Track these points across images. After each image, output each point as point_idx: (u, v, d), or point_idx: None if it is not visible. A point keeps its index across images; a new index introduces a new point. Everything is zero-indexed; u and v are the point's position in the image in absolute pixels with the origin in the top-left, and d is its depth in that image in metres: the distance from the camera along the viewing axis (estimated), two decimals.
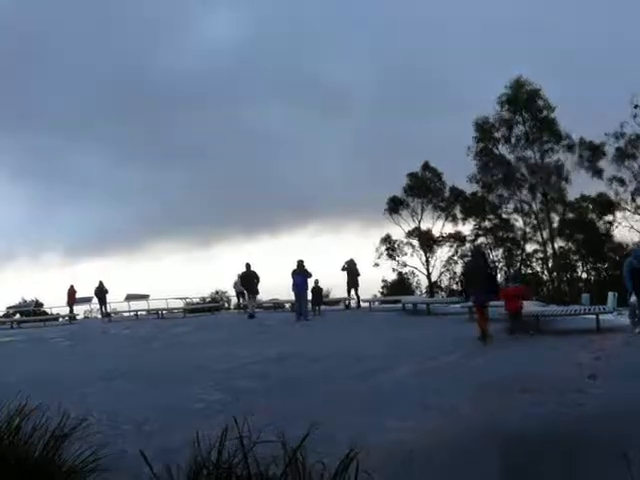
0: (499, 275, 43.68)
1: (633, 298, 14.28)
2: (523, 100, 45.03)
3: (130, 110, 68.39)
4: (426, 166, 51.31)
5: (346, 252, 74.57)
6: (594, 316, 15.23)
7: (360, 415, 7.63)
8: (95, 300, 33.30)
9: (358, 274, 25.97)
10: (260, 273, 24.60)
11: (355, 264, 25.93)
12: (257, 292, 25.26)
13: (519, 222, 49.51)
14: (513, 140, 46.36)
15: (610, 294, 16.41)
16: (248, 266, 24.72)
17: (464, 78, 58.56)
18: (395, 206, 51.41)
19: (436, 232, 52.06)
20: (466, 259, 14.57)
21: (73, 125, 70.54)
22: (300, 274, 22.34)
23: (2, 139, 76.34)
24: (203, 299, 37.65)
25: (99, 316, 34.13)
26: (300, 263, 22.58)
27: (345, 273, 25.90)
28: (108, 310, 33.27)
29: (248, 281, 24.68)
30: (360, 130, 64.42)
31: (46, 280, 71.48)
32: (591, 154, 44.92)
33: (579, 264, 48.51)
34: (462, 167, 47.48)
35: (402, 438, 6.37)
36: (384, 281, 51.98)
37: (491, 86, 50.33)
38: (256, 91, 73.20)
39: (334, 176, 62.01)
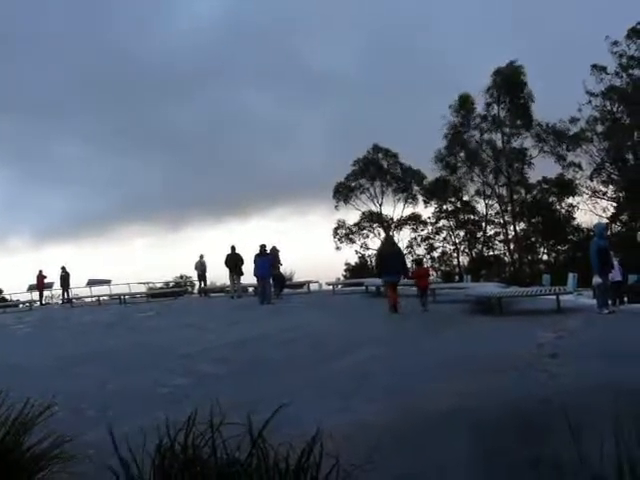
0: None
1: (597, 279, 14.32)
2: (510, 84, 45.51)
3: (106, 94, 67.29)
4: (377, 147, 51.38)
5: (311, 236, 74.74)
6: (554, 297, 15.45)
7: (327, 398, 7.68)
8: (57, 285, 32.94)
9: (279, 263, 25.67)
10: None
11: (278, 251, 25.64)
12: (242, 274, 25.40)
13: (481, 204, 49.98)
14: (489, 119, 46.81)
15: (570, 275, 16.67)
16: (233, 248, 25.08)
17: (452, 60, 58.75)
18: (342, 192, 51.40)
19: (397, 215, 52.22)
20: (380, 246, 16.82)
21: (47, 109, 69.50)
22: (263, 258, 22.63)
23: None
24: (167, 284, 37.40)
25: (60, 302, 33.72)
26: (262, 247, 22.97)
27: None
28: (70, 296, 32.88)
29: (233, 263, 24.91)
30: (338, 113, 64.29)
31: (12, 265, 70.09)
32: (555, 139, 45.52)
33: (540, 246, 49.13)
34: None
35: (368, 420, 6.43)
36: (347, 264, 52.12)
37: (479, 70, 50.44)
38: (236, 73, 72.71)
39: (309, 159, 61.83)
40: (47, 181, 73.33)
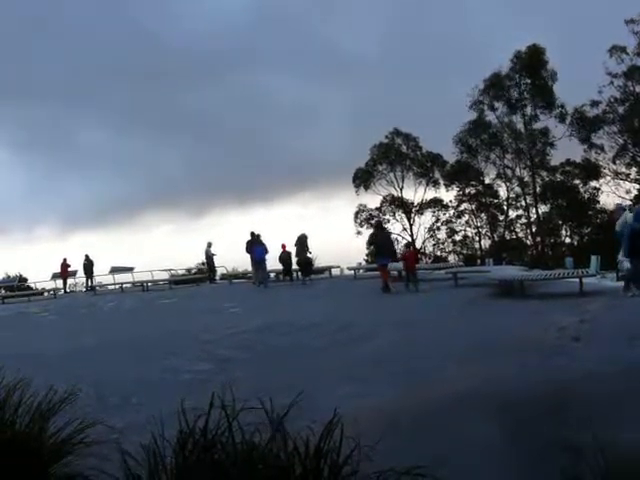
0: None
1: (626, 263, 14.11)
2: (532, 66, 45.13)
3: (131, 77, 66.65)
4: (397, 132, 51.07)
5: (333, 221, 74.56)
6: (577, 280, 15.32)
7: (346, 383, 7.69)
8: (80, 274, 33.27)
9: (307, 249, 25.57)
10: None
11: (306, 238, 25.53)
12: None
13: (502, 188, 49.63)
14: (512, 101, 46.47)
15: (593, 257, 16.50)
16: (253, 234, 25.30)
17: (472, 42, 58.02)
18: (362, 177, 51.18)
19: (418, 199, 51.96)
20: (373, 232, 18.51)
21: (72, 94, 68.99)
22: (258, 246, 24.56)
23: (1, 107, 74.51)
24: (189, 270, 37.53)
25: (83, 290, 34.04)
26: (257, 235, 25.06)
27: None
28: (93, 283, 33.18)
29: (253, 249, 24.98)
30: (362, 97, 63.58)
31: (38, 254, 70.49)
32: (580, 122, 45.08)
33: (562, 229, 48.75)
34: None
35: (388, 403, 6.43)
36: (368, 248, 52.04)
37: (501, 52, 49.78)
38: (261, 56, 71.74)
39: (333, 143, 61.12)
40: (73, 168, 73.13)
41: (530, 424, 5.60)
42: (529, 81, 46.02)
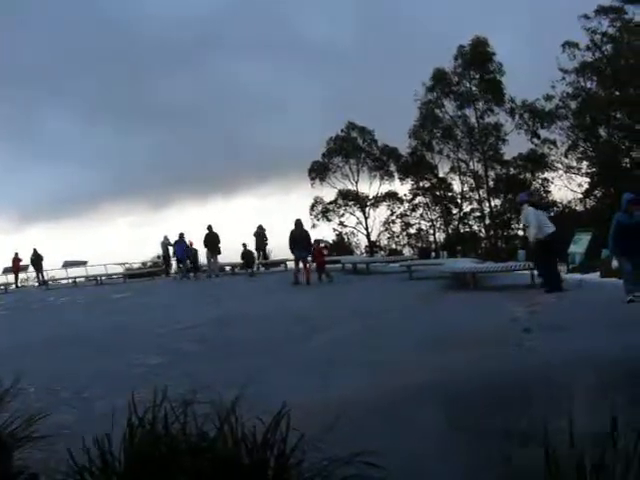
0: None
1: (614, 262, 12.97)
2: (477, 59, 45.48)
3: (100, 66, 64.93)
4: (353, 125, 51.19)
5: (292, 214, 74.30)
6: (529, 272, 15.58)
7: (301, 374, 7.75)
8: (31, 268, 32.75)
9: (265, 240, 29.08)
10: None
11: (264, 229, 28.93)
12: (219, 252, 26.83)
13: (456, 181, 50.15)
14: (461, 95, 46.82)
15: None
16: (210, 228, 26.32)
17: (432, 31, 57.95)
18: (317, 170, 51.22)
19: (373, 193, 52.18)
20: (292, 228, 19.50)
21: (39, 81, 67.30)
22: (181, 244, 27.11)
23: None
24: (144, 264, 37.23)
25: (35, 284, 33.55)
26: (181, 235, 27.25)
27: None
28: (45, 278, 32.69)
29: (211, 242, 26.34)
30: (331, 87, 62.92)
31: None
32: (530, 116, 45.70)
33: (515, 222, 49.48)
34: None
35: (341, 395, 6.50)
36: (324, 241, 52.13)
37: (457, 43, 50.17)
38: (227, 45, 70.70)
39: (297, 135, 60.28)
40: (36, 158, 71.08)
41: (478, 414, 5.72)
42: (477, 75, 46.45)
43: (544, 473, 2.92)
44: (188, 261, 27.50)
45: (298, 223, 21.04)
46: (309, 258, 21.06)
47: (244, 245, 27.48)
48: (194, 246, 27.70)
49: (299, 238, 20.78)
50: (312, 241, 21.68)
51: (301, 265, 20.75)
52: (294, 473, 3.33)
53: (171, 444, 3.41)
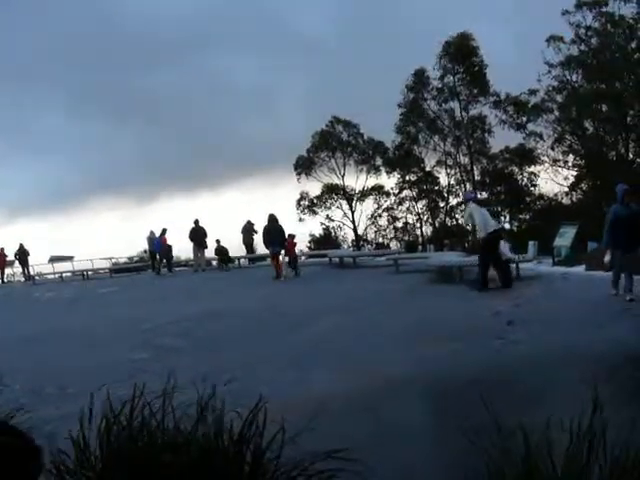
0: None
1: (607, 256, 11.95)
2: (462, 53, 45.45)
3: (87, 60, 64.52)
4: (337, 119, 51.08)
5: (278, 208, 74.04)
6: (514, 265, 15.64)
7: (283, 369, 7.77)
8: (17, 263, 32.62)
9: (253, 235, 28.56)
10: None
11: (253, 224, 28.42)
12: (206, 246, 26.64)
13: (442, 175, 50.16)
14: (445, 90, 46.80)
15: (530, 243, 16.89)
16: (197, 222, 26.14)
17: (418, 27, 57.79)
18: (303, 164, 51.09)
19: (359, 186, 52.11)
20: (265, 223, 19.66)
21: (25, 76, 66.60)
22: (157, 238, 27.48)
23: None
24: (130, 259, 37.10)
25: (22, 280, 33.39)
26: (164, 230, 27.47)
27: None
28: (31, 273, 32.52)
29: (197, 236, 26.04)
30: (317, 81, 62.79)
31: None
32: (515, 110, 45.75)
33: (501, 215, 49.61)
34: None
35: (323, 388, 6.53)
36: (311, 235, 52.05)
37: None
38: (218, 40, 70.10)
39: (284, 129, 60.19)
40: (23, 152, 70.43)
41: (458, 407, 5.76)
42: (461, 69, 46.44)
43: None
44: (158, 257, 27.68)
45: (272, 218, 20.96)
46: (282, 252, 21.10)
47: (217, 241, 27.39)
48: (168, 242, 27.72)
49: (274, 232, 20.82)
50: (286, 236, 21.55)
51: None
52: (270, 468, 3.35)
53: (148, 439, 3.42)
